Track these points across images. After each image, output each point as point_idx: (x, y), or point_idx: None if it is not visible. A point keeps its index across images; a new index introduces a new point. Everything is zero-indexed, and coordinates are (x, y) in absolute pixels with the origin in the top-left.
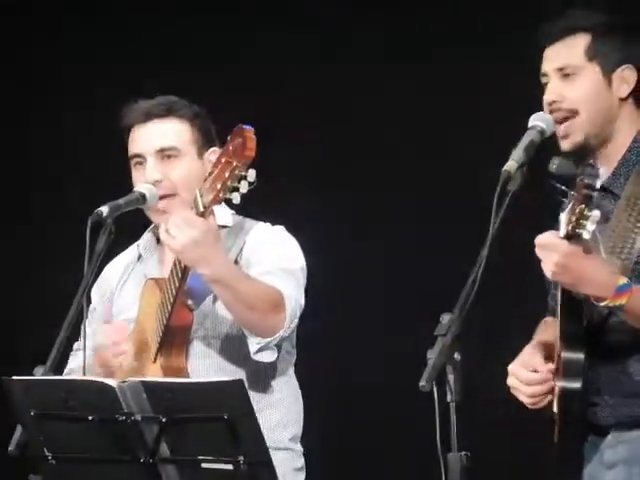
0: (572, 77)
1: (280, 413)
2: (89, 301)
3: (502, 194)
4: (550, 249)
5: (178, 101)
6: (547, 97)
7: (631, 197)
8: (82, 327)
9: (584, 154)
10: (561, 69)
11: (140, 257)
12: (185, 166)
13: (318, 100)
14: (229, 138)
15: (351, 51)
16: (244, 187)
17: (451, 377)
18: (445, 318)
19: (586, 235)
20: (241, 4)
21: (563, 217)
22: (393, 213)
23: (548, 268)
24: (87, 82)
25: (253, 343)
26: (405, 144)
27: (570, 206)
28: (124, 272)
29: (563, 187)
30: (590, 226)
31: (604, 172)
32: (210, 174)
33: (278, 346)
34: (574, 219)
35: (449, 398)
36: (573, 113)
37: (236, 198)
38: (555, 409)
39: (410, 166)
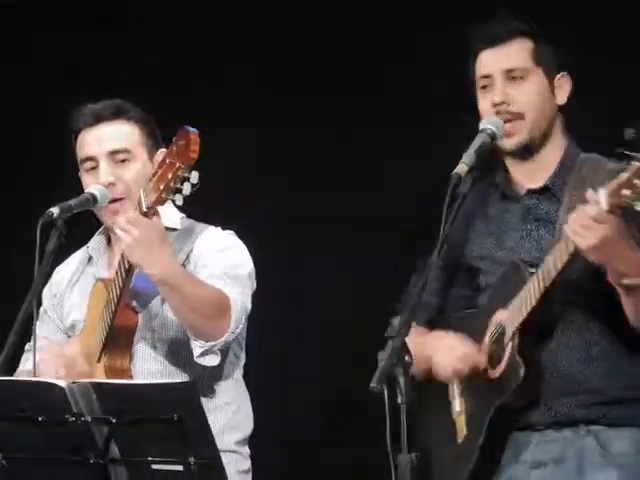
0: (520, 80)
1: (226, 417)
2: (40, 302)
3: (453, 197)
4: (598, 222)
5: (125, 104)
6: (495, 98)
7: (571, 205)
8: (33, 328)
9: (524, 154)
10: (509, 71)
11: (90, 259)
12: (138, 168)
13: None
14: (174, 139)
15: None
16: (187, 189)
17: (401, 379)
18: (395, 320)
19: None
20: None
21: (602, 192)
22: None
23: (589, 242)
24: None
25: (196, 346)
26: (347, 145)
27: (621, 180)
28: (74, 273)
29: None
30: None
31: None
32: (154, 175)
33: (222, 350)
34: (629, 193)
35: (399, 400)
36: (519, 117)
37: (179, 199)
38: None
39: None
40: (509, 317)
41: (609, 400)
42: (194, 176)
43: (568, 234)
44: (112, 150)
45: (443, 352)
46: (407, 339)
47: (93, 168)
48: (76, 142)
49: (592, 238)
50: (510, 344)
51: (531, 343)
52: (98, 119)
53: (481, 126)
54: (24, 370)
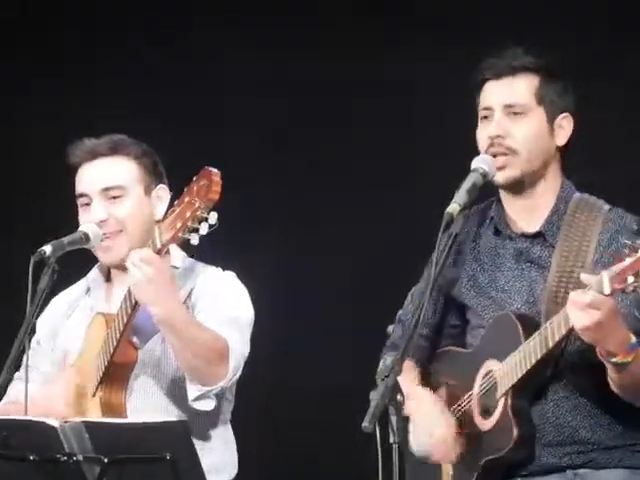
0: (520, 116)
1: (213, 458)
2: (33, 331)
3: (444, 236)
4: (595, 307)
5: (125, 139)
6: (492, 131)
7: (563, 251)
8: (24, 363)
9: (516, 189)
10: (510, 106)
11: (88, 290)
12: (130, 205)
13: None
14: (194, 179)
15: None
16: (204, 229)
17: (394, 418)
18: (388, 360)
19: None
20: None
21: (605, 275)
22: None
23: (584, 324)
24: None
25: (193, 390)
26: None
27: (624, 266)
28: (71, 305)
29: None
30: None
31: (529, 224)
32: (172, 212)
33: (218, 395)
34: (633, 280)
35: (392, 439)
36: (512, 152)
37: (194, 239)
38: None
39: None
40: (502, 373)
41: (597, 449)
42: (212, 217)
43: (567, 312)
44: (105, 187)
45: (421, 431)
46: (399, 378)
47: (87, 204)
48: (75, 177)
49: (587, 320)
50: (503, 401)
51: (524, 400)
52: (94, 155)
53: (473, 165)
54: (11, 402)
